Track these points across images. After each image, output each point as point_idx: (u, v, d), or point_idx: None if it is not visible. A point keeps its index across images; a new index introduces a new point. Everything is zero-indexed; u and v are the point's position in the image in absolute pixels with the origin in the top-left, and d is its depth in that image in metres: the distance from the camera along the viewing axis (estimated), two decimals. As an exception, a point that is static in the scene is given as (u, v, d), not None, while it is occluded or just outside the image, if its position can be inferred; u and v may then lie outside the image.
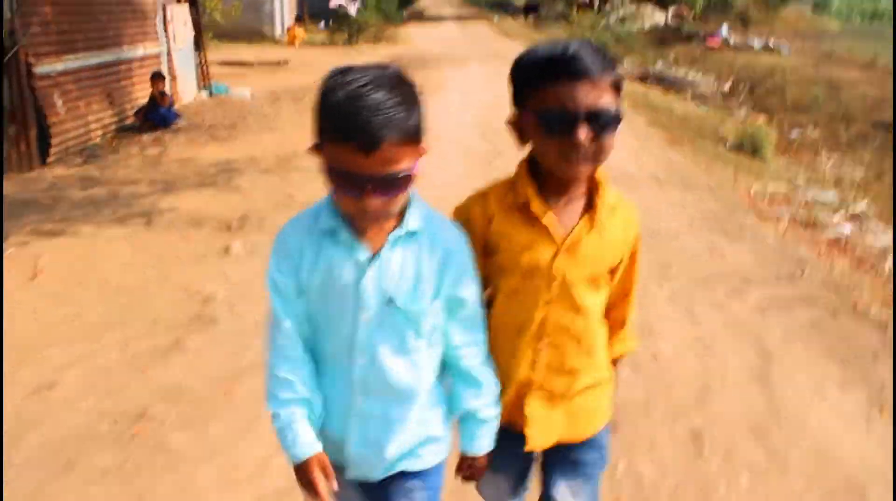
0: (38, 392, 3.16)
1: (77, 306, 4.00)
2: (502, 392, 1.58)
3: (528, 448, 1.59)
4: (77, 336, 3.65)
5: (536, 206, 1.47)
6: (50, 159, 7.25)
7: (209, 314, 3.85)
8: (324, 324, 1.44)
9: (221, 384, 3.21)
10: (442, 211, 1.48)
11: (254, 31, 21.71)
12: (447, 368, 1.55)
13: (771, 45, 17.94)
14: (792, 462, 2.83)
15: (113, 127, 8.58)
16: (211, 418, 2.97)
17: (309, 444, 1.41)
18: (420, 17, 34.34)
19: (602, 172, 1.49)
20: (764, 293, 4.33)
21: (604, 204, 1.50)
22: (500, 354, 1.57)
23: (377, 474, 1.51)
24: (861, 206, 6.88)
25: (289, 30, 21.50)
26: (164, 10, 10.14)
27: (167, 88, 9.41)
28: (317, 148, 1.32)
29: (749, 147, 9.08)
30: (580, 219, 1.50)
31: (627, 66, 15.84)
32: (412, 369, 1.45)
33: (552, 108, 1.38)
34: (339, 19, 21.25)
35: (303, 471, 1.41)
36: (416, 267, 1.40)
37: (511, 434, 1.60)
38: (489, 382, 1.54)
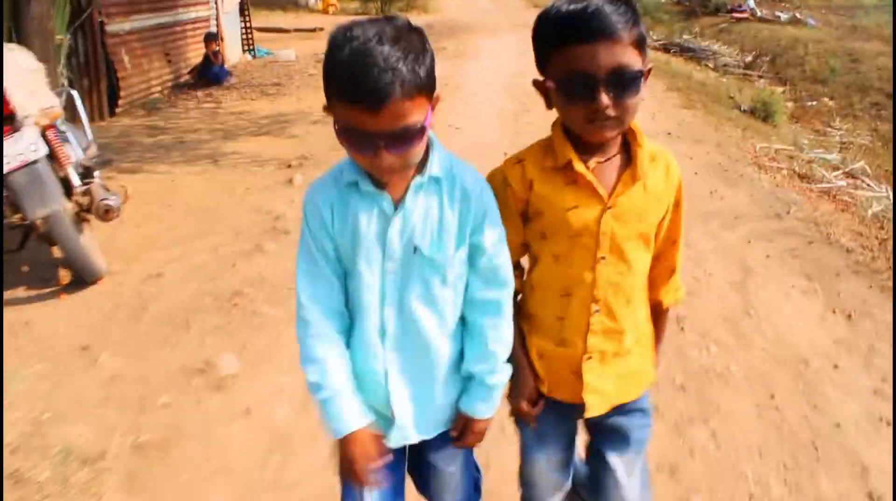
0: (150, 279, 3.99)
1: (169, 222, 4.83)
2: (551, 360, 1.58)
3: (588, 414, 1.57)
4: (173, 243, 4.47)
5: (578, 165, 1.45)
6: (118, 110, 8.09)
7: (281, 227, 4.65)
8: (357, 280, 1.43)
9: (291, 281, 4.00)
10: (476, 164, 1.49)
11: (288, 0, 22.44)
12: (464, 325, 1.54)
13: (798, 17, 18.31)
14: (755, 342, 3.57)
15: (170, 83, 9.41)
16: (290, 298, 3.76)
17: (349, 419, 1.42)
18: (451, -15, 34.72)
19: (635, 122, 1.48)
20: (752, 227, 5.04)
21: (643, 155, 1.48)
22: (549, 322, 1.56)
23: (419, 432, 1.52)
24: (859, 165, 7.53)
25: (323, -2, 22.15)
26: (213, -26, 10.92)
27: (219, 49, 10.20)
28: (328, 107, 1.31)
29: (762, 112, 9.68)
30: (622, 174, 1.48)
31: (654, 36, 16.36)
32: (439, 319, 1.46)
33: (571, 71, 1.36)
34: (372, -13, 21.84)
35: (346, 446, 1.42)
36: (439, 214, 1.40)
37: (560, 405, 1.60)
38: (499, 349, 1.51)
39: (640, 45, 1.37)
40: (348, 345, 1.47)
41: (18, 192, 3.45)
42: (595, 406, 1.57)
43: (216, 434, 2.69)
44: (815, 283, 4.22)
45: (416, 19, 17.10)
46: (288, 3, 22.02)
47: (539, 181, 1.49)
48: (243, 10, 12.07)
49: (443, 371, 1.50)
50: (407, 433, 1.50)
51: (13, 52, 4.07)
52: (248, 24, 12.17)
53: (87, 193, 3.89)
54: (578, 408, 1.58)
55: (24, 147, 3.42)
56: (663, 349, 1.77)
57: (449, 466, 1.61)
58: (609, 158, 1.48)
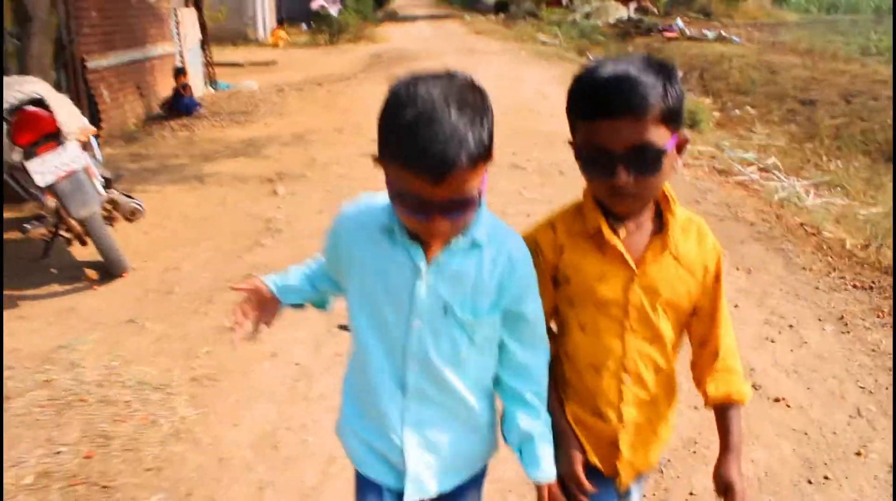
0: (169, 271, 4.73)
1: (171, 230, 5.56)
2: (588, 431, 1.56)
3: (622, 486, 1.58)
4: (181, 245, 5.22)
5: (608, 233, 1.44)
6: (100, 141, 8.76)
7: (274, 228, 5.44)
8: (377, 327, 1.42)
9: (291, 260, 4.78)
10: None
11: (238, 34, 23.06)
12: (500, 388, 1.54)
13: (724, 35, 19.75)
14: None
15: (143, 115, 10.09)
16: (292, 279, 4.56)
17: (275, 279, 1.66)
18: (394, 17, 35.82)
19: (669, 188, 1.46)
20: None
21: (675, 224, 1.47)
22: (583, 392, 1.55)
23: (435, 487, 1.49)
24: (771, 161, 8.59)
25: (272, 32, 22.95)
26: (175, 13, 11.67)
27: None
28: (380, 161, 1.28)
29: (689, 121, 10.75)
30: (651, 242, 1.46)
31: (590, 56, 17.57)
32: (465, 379, 1.44)
33: (591, 145, 1.36)
34: (320, 20, 22.73)
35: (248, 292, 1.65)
36: (475, 276, 1.37)
37: (598, 473, 1.56)
38: (544, 411, 1.52)
39: (670, 119, 1.33)
40: (358, 386, 1.52)
41: (64, 196, 4.18)
42: (628, 477, 1.57)
43: (252, 370, 3.47)
44: (724, 250, 5.14)
45: (365, 49, 18.10)
46: (238, 37, 22.71)
47: (569, 247, 1.49)
48: (204, 46, 12.82)
49: (464, 427, 1.50)
50: (424, 486, 1.47)
51: (36, 83, 4.81)
52: (209, 59, 12.92)
53: (111, 199, 4.63)
54: (613, 479, 1.57)
55: (68, 159, 4.16)
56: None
57: None
58: (640, 225, 1.47)
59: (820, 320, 4.09)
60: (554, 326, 1.62)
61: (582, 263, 1.48)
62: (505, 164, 7.12)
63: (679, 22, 21.07)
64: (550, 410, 1.54)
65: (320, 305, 1.71)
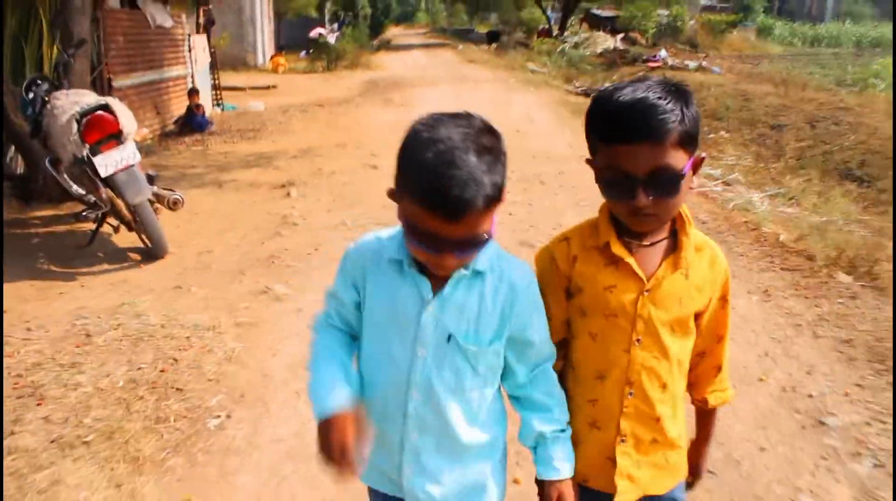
0: (204, 253, 5.62)
1: (199, 223, 6.45)
2: (584, 445, 1.60)
3: (617, 500, 1.58)
4: (210, 235, 6.10)
5: (617, 248, 1.51)
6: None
7: (290, 222, 6.34)
8: (382, 355, 1.48)
9: (309, 249, 5.68)
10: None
11: (238, 60, 24.12)
12: (514, 401, 1.59)
13: (704, 65, 20.91)
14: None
15: (158, 132, 11.02)
16: (310, 257, 5.45)
17: (335, 401, 1.40)
18: (388, 45, 37.06)
19: (685, 209, 1.51)
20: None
21: (688, 245, 1.52)
22: (582, 404, 1.60)
23: None
24: (733, 176, 9.57)
25: (272, 58, 24.01)
26: (189, 39, 12.66)
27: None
28: (396, 196, 1.35)
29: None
30: (664, 260, 1.52)
31: (577, 84, 18.66)
32: (467, 408, 1.49)
33: (612, 169, 1.42)
34: (318, 48, 23.83)
35: (326, 428, 1.38)
36: (479, 305, 1.44)
37: (592, 493, 1.61)
38: (559, 408, 1.56)
39: (687, 142, 1.40)
40: (368, 407, 1.49)
41: (121, 186, 5.07)
42: (626, 492, 1.58)
43: (283, 320, 4.35)
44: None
45: (361, 76, 19.17)
46: (238, 63, 23.75)
47: (581, 259, 1.56)
48: (212, 69, 13.80)
49: (469, 459, 1.54)
50: None
51: (90, 95, 5.72)
52: (217, 82, 13.90)
53: (154, 192, 5.53)
54: (612, 497, 1.60)
55: (126, 155, 5.06)
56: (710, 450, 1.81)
57: None
58: (654, 242, 1.53)
59: (749, 292, 4.99)
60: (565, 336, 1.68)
61: (595, 273, 1.55)
62: (492, 174, 8.06)
63: (662, 52, 22.27)
64: None
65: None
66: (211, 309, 4.45)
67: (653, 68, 21.43)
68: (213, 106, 13.62)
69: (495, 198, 1.29)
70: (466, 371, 1.46)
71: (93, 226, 5.76)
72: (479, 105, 14.35)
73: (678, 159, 1.39)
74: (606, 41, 27.66)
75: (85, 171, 5.18)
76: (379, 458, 1.53)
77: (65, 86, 6.12)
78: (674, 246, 1.54)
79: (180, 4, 12.56)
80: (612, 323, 1.54)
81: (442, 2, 62.11)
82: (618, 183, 1.42)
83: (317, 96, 15.39)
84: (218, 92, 13.89)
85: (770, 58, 31.04)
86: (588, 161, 1.52)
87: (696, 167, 1.47)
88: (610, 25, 31.69)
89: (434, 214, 1.25)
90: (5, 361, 3.76)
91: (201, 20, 13.74)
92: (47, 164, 5.64)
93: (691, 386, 1.69)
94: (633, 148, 1.38)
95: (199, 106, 11.19)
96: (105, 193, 5.27)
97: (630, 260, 1.51)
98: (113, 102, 5.20)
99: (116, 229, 5.79)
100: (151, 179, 5.70)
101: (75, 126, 4.98)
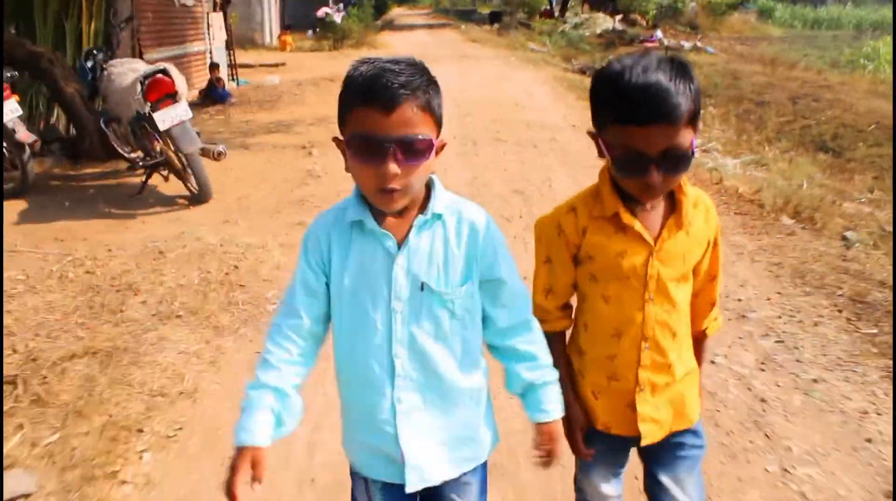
0: (242, 198, 6.66)
1: (233, 177, 7.48)
2: (605, 397, 1.73)
3: (644, 443, 1.73)
4: (245, 185, 7.14)
5: (626, 216, 1.60)
6: (152, 121, 10.70)
7: (314, 174, 7.39)
8: (359, 322, 1.51)
9: (332, 196, 6.70)
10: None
11: (246, 39, 24.99)
12: (496, 352, 1.65)
13: (699, 46, 21.88)
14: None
15: (182, 103, 12.03)
16: (335, 200, 6.46)
17: (254, 434, 1.42)
18: (392, 25, 37.87)
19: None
20: (619, 171, 7.92)
21: (688, 204, 1.63)
22: (601, 359, 1.72)
23: (438, 473, 1.56)
24: (712, 144, 10.58)
25: (280, 37, 24.93)
26: (207, 16, 13.64)
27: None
28: (340, 136, 1.46)
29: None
30: (666, 220, 1.63)
31: (575, 63, 19.63)
32: (452, 354, 1.54)
33: (626, 148, 1.49)
34: (325, 27, 24.74)
35: (235, 457, 1.41)
36: (444, 249, 1.50)
37: (616, 439, 1.76)
38: (543, 354, 1.63)
39: (694, 119, 1.49)
40: (347, 388, 1.57)
41: (176, 138, 6.10)
42: (650, 434, 1.71)
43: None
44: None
45: (367, 54, 20.23)
46: (247, 41, 24.60)
47: (591, 229, 1.65)
48: (228, 46, 14.78)
49: (460, 408, 1.58)
50: (426, 474, 1.55)
51: (139, 63, 6.74)
52: (233, 58, 14.88)
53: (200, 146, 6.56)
54: (635, 439, 1.74)
55: (181, 111, 6.09)
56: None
57: None
58: (654, 205, 1.62)
59: (704, 231, 6.01)
60: (573, 300, 1.79)
61: (605, 242, 1.64)
62: (490, 139, 9.10)
63: (658, 33, 23.22)
64: (559, 380, 1.65)
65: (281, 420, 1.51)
66: (257, 234, 5.50)
67: (649, 49, 22.40)
68: (229, 80, 14.60)
69: (429, 102, 1.41)
70: (444, 316, 1.51)
71: (142, 178, 6.80)
72: (480, 81, 15.41)
73: (687, 137, 1.48)
74: (606, 22, 28.55)
75: (144, 126, 6.21)
76: (372, 437, 1.55)
77: (117, 55, 7.14)
78: (672, 206, 1.64)
79: (199, -16, 13.54)
80: (626, 285, 1.65)
81: (445, -18, 62.76)
82: (631, 161, 1.50)
83: (325, 73, 16.35)
84: (233, 66, 14.86)
85: (770, 40, 31.78)
86: (591, 135, 1.61)
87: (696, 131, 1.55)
88: (611, 7, 32.56)
89: (371, 107, 1.36)
90: (98, 271, 4.81)
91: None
92: (102, 123, 6.69)
93: (690, 321, 1.79)
94: (647, 130, 1.45)
95: (219, 79, 12.19)
96: (159, 145, 6.30)
97: (639, 227, 1.61)
98: (170, 67, 6.21)
99: (166, 179, 6.82)
100: (198, 135, 6.74)
101: (139, 87, 6.00)
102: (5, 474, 2.81)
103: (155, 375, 3.52)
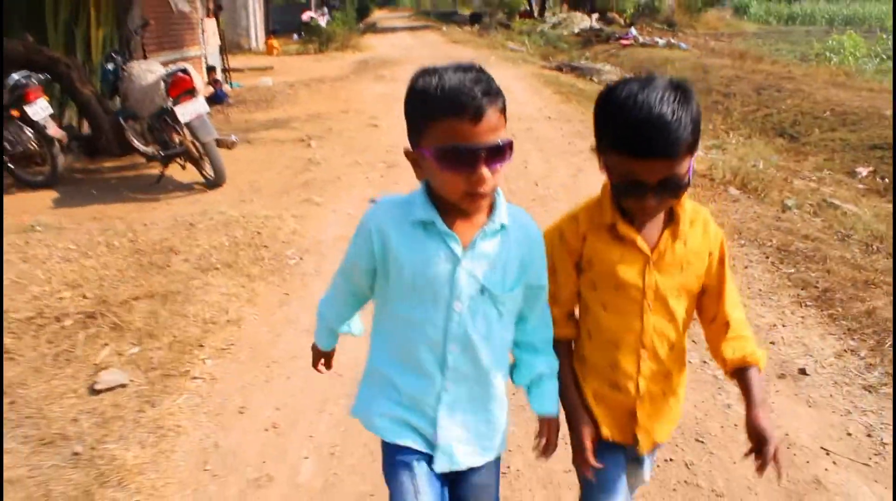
0: (252, 183, 7.57)
1: (239, 166, 8.37)
2: (606, 404, 1.81)
3: (641, 451, 1.82)
4: (252, 173, 8.04)
5: (622, 228, 1.67)
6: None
7: (315, 162, 8.31)
8: (416, 316, 1.60)
9: (333, 179, 7.64)
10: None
11: (232, 44, 25.71)
12: (515, 347, 1.78)
13: (672, 42, 22.94)
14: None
15: (182, 104, 12.91)
16: (336, 182, 7.40)
17: (322, 344, 1.96)
18: (374, 28, 38.72)
19: None
20: (591, 158, 8.87)
21: (685, 217, 1.69)
22: (602, 367, 1.78)
23: (464, 459, 1.68)
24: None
25: (266, 41, 25.77)
26: (202, 22, 14.53)
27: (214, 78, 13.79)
28: (415, 145, 1.52)
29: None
30: (663, 231, 1.70)
31: (551, 61, 20.64)
32: (495, 353, 1.65)
33: (626, 175, 1.56)
34: (310, 31, 25.63)
35: (314, 354, 2.01)
36: (505, 256, 1.60)
37: (612, 445, 1.81)
38: (553, 350, 1.78)
39: (693, 147, 1.54)
40: (390, 366, 1.68)
41: (196, 129, 7.00)
42: (646, 443, 1.81)
43: (324, 215, 6.31)
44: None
45: (352, 57, 21.16)
46: (233, 46, 25.31)
47: (591, 236, 1.73)
48: (222, 51, 15.66)
49: (494, 402, 1.70)
50: (455, 459, 1.67)
51: (156, 64, 7.64)
52: (226, 61, 15.77)
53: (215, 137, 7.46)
54: (629, 448, 1.84)
55: (199, 107, 7.00)
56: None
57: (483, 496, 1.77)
58: (653, 218, 1.70)
59: (659, 200, 6.96)
60: (576, 310, 1.84)
61: (604, 249, 1.71)
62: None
63: (633, 30, 24.29)
64: (565, 389, 1.80)
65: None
66: (272, 209, 6.42)
67: (625, 46, 23.43)
68: (224, 83, 15.48)
69: (503, 103, 1.50)
70: (494, 318, 1.61)
71: (158, 171, 7.68)
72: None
73: (685, 165, 1.53)
74: (583, 21, 29.59)
75: (165, 119, 7.11)
76: (411, 415, 1.65)
77: (134, 58, 8.03)
78: (670, 216, 1.70)
79: (193, -9, 14.41)
80: (623, 294, 1.71)
81: (425, -15, 63.74)
82: (629, 187, 1.57)
83: (314, 75, 17.25)
84: (226, 70, 15.75)
85: (744, 35, 32.86)
86: (594, 151, 1.70)
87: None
88: (589, 6, 33.62)
89: (459, 118, 1.42)
90: (140, 239, 5.70)
91: (210, 5, 15.57)
92: (121, 120, 7.59)
93: (713, 355, 1.81)
94: (647, 162, 1.51)
95: (216, 81, 13.08)
96: (179, 137, 7.20)
97: (636, 237, 1.67)
98: (189, 67, 7.12)
99: (184, 167, 7.71)
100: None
101: (163, 85, 6.90)
102: (102, 372, 3.71)
103: (205, 309, 4.44)
